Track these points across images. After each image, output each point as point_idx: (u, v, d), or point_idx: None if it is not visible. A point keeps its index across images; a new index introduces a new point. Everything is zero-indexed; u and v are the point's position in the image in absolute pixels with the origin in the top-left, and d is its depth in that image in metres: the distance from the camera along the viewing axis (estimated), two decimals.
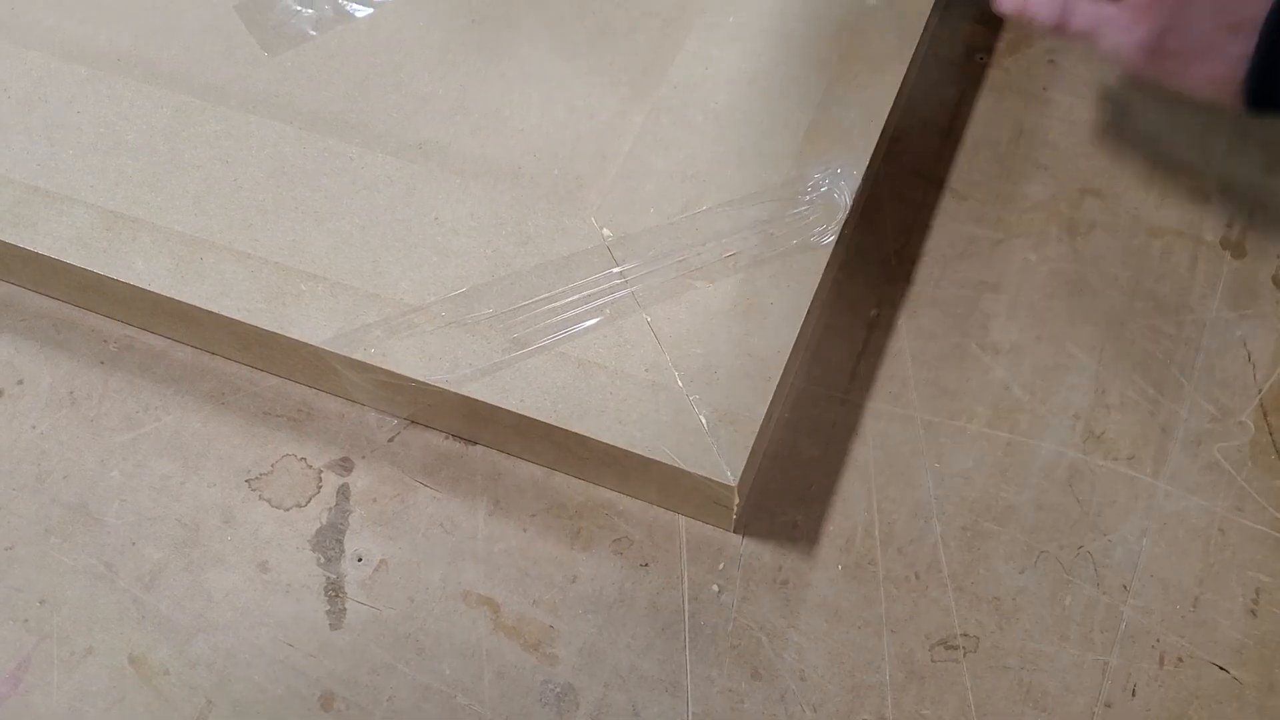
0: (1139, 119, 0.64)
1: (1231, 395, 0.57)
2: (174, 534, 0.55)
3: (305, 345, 0.55)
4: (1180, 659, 0.51)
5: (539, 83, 0.64)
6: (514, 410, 0.53)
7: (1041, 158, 0.64)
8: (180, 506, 0.55)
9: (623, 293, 0.56)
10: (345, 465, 0.56)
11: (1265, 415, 0.56)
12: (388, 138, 0.62)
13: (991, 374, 0.58)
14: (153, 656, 0.52)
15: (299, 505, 0.55)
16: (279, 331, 0.55)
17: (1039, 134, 0.64)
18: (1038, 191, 0.63)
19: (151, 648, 0.52)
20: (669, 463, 0.52)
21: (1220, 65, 0.51)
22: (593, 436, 0.53)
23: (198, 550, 0.54)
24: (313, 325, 0.55)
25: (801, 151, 0.59)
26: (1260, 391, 0.57)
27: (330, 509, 0.55)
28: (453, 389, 0.54)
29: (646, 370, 0.54)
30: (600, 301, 0.56)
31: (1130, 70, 0.55)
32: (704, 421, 0.53)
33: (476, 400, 0.54)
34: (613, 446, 0.52)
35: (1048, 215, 0.62)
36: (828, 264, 0.57)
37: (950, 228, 0.62)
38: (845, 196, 0.58)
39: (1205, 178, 0.63)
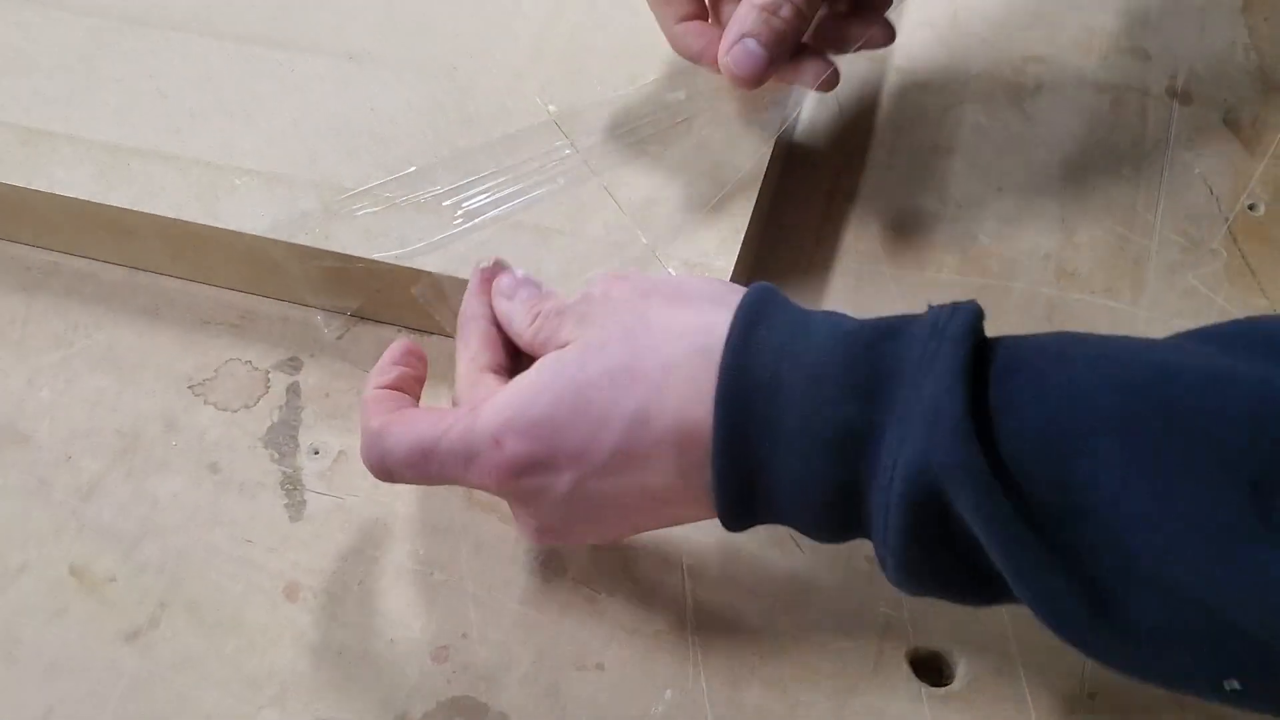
0: None
1: (1199, 227, 0.56)
2: (112, 445, 0.51)
3: (243, 237, 0.52)
4: None
5: None
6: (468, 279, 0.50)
7: (981, 32, 0.63)
8: (118, 418, 0.52)
9: (575, 163, 0.54)
10: (293, 364, 0.53)
11: (1236, 241, 0.55)
12: (316, 51, 0.60)
13: (957, 226, 0.56)
14: (96, 565, 0.48)
15: (247, 406, 0.52)
16: (214, 224, 0.52)
17: (976, 10, 0.64)
18: (981, 61, 0.62)
19: (94, 557, 0.48)
20: None
21: None
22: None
23: (139, 458, 0.50)
24: (249, 216, 0.52)
25: None
26: (1229, 220, 0.56)
27: (281, 407, 0.52)
28: (404, 264, 0.51)
29: (607, 231, 0.52)
30: (552, 172, 0.54)
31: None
32: (673, 274, 0.50)
33: (430, 276, 0.51)
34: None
35: (993, 82, 0.61)
36: (782, 127, 0.55)
37: (898, 99, 0.61)
38: None
39: (1144, 38, 0.63)
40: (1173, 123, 0.60)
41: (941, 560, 0.37)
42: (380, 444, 0.42)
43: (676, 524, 0.43)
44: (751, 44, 0.50)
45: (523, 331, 0.43)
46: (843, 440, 0.37)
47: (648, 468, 0.39)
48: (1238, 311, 0.53)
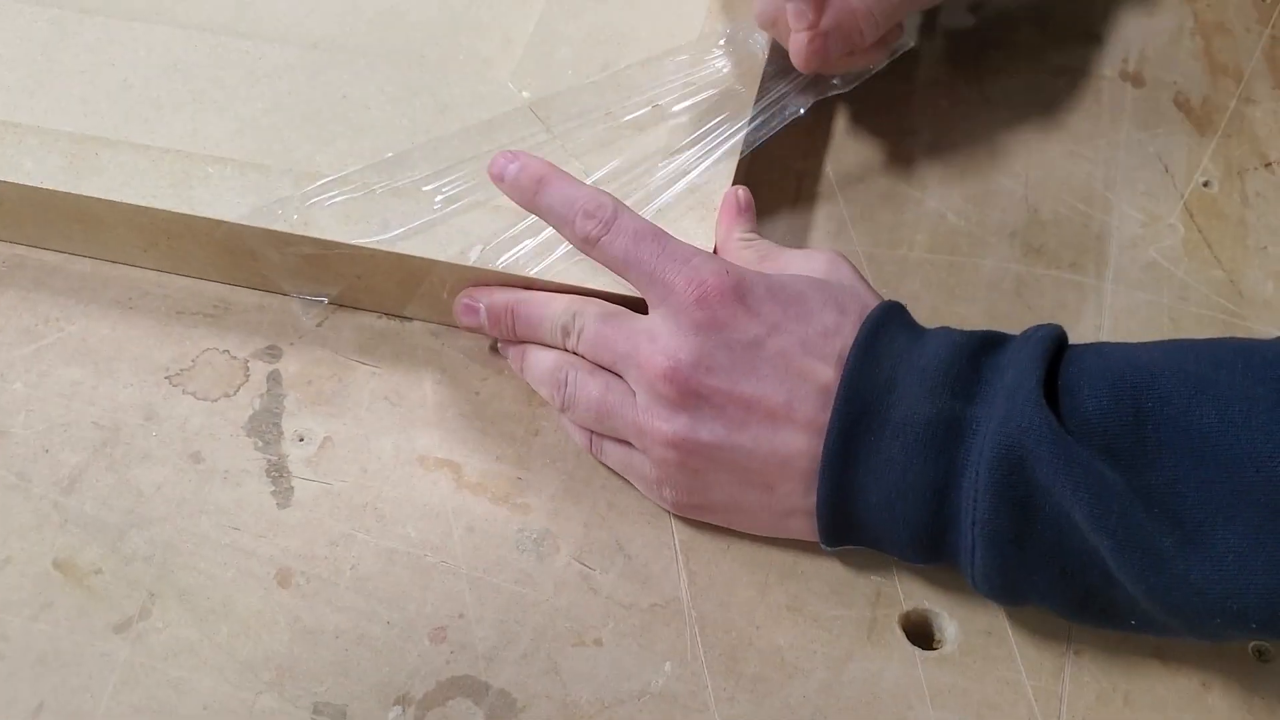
0: None
1: (1157, 203, 0.58)
2: (91, 437, 0.50)
3: (220, 225, 0.52)
4: None
5: None
6: (454, 263, 0.50)
7: (937, 19, 0.65)
8: (95, 410, 0.51)
9: (552, 148, 0.54)
10: (273, 353, 0.53)
11: (1192, 216, 0.57)
12: (280, 40, 0.59)
13: (924, 206, 0.57)
14: (81, 558, 0.47)
15: (227, 395, 0.51)
16: (190, 212, 0.52)
17: None
18: (940, 48, 0.64)
19: (78, 549, 0.47)
20: (624, 295, 0.50)
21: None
22: (543, 279, 0.50)
23: (120, 449, 0.50)
24: (225, 204, 0.52)
25: (710, 10, 0.59)
26: (1184, 197, 0.58)
27: (262, 395, 0.51)
28: (385, 249, 0.51)
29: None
30: None
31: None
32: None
33: (413, 259, 0.51)
34: (564, 286, 0.50)
35: (953, 67, 0.63)
36: (753, 109, 0.56)
37: (864, 86, 0.62)
38: (760, 49, 0.58)
39: (1092, 23, 0.65)
40: (1126, 104, 0.61)
41: (1028, 546, 0.40)
42: (626, 210, 0.46)
43: (772, 517, 0.46)
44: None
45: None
46: (940, 430, 0.41)
47: (810, 366, 0.43)
48: (1197, 283, 0.55)
